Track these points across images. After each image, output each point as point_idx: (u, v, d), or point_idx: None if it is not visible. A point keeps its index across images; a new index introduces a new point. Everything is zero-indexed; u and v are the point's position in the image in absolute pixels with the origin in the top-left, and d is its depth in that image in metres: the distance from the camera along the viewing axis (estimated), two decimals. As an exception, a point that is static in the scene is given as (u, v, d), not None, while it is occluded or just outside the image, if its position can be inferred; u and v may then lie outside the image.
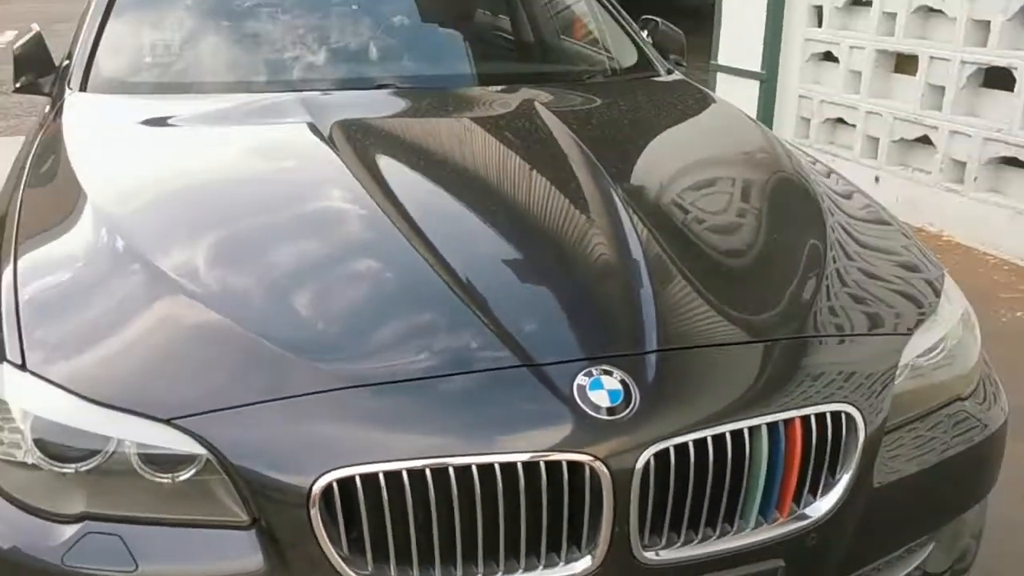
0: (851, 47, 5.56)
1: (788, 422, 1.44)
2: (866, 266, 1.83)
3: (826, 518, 1.48)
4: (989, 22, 4.61)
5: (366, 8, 2.94)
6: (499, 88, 2.65)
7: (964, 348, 1.79)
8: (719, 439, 1.39)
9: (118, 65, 2.57)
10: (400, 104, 2.52)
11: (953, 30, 4.83)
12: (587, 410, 1.36)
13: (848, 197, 2.16)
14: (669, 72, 2.91)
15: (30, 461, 1.40)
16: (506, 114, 2.48)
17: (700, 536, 1.42)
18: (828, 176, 2.27)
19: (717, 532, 1.43)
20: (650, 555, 1.39)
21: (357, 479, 1.29)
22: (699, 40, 5.45)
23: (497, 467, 1.31)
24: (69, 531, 1.36)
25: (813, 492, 1.48)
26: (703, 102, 2.77)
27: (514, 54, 3.17)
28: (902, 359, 1.62)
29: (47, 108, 2.52)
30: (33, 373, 1.42)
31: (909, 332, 1.67)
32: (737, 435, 1.40)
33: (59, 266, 1.71)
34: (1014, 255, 4.54)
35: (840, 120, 5.72)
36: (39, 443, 1.39)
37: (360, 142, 2.15)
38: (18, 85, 2.63)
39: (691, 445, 1.37)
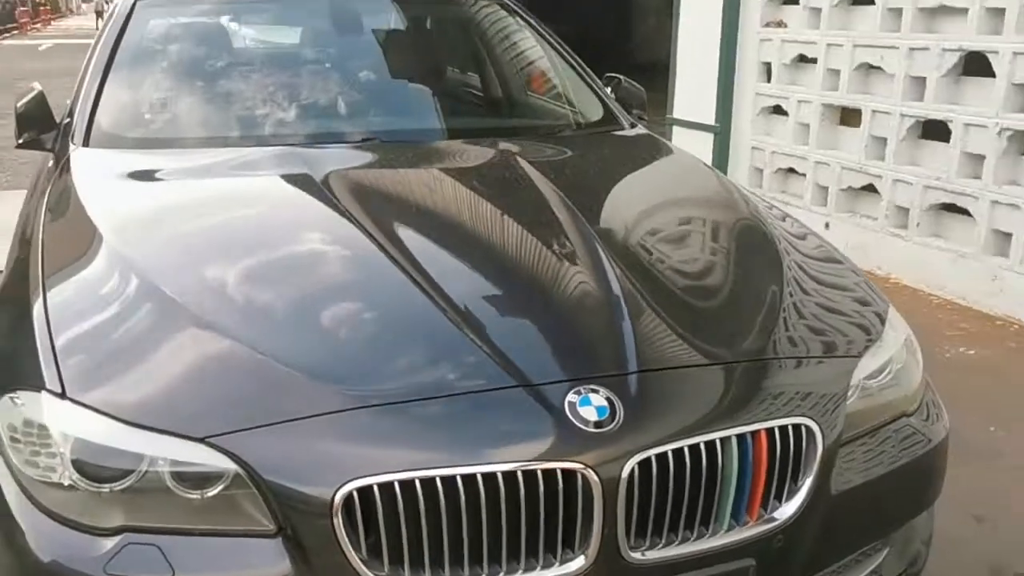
0: (799, 101, 5.87)
1: (755, 434, 1.62)
2: (820, 299, 2.03)
3: (791, 521, 1.65)
4: (925, 78, 4.93)
5: (355, 70, 3.14)
6: (479, 141, 2.85)
7: (908, 371, 1.98)
8: (695, 449, 1.56)
9: (117, 122, 2.71)
10: (386, 156, 2.70)
11: (892, 85, 5.15)
12: (577, 424, 1.52)
13: (802, 238, 2.37)
14: (633, 126, 3.13)
15: (66, 483, 1.53)
16: (489, 164, 2.68)
17: (680, 538, 1.58)
18: (784, 219, 2.48)
19: (695, 534, 1.59)
20: (636, 555, 1.54)
21: (375, 488, 1.44)
22: (655, 95, 5.73)
23: (499, 475, 1.46)
24: (109, 543, 1.48)
25: (779, 498, 1.65)
26: (666, 153, 2.99)
27: (491, 110, 3.39)
28: (853, 379, 1.81)
29: (50, 163, 2.65)
30: (73, 400, 1.55)
31: (859, 355, 1.86)
32: (710, 445, 1.57)
33: (86, 303, 1.84)
34: (956, 296, 4.81)
35: (791, 170, 6.01)
36: (77, 464, 1.51)
37: (355, 190, 2.33)
38: (21, 141, 2.76)
39: (670, 454, 1.54)
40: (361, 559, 1.45)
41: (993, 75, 4.55)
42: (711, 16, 6.48)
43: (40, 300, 1.80)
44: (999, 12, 4.49)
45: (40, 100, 2.78)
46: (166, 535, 1.48)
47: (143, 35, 2.99)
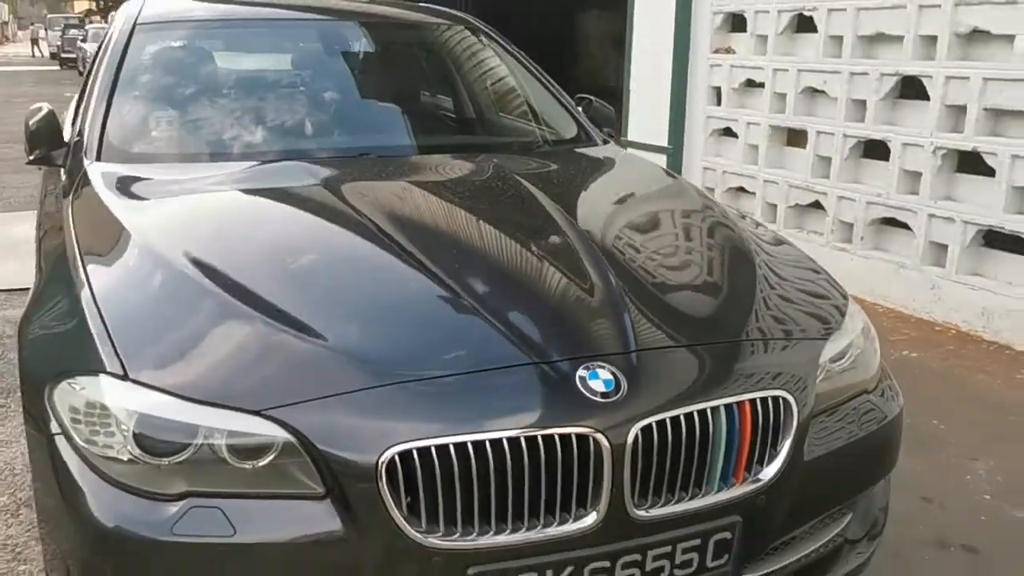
0: (748, 123, 6.20)
1: (740, 404, 1.84)
2: (788, 291, 2.28)
3: (771, 483, 1.87)
4: (865, 101, 5.28)
5: (347, 92, 3.37)
6: (469, 155, 3.09)
7: (866, 356, 2.23)
8: (689, 417, 1.77)
9: (126, 139, 2.86)
10: (391, 167, 2.91)
11: (835, 108, 5.49)
12: (587, 395, 1.73)
13: (770, 241, 2.61)
14: (605, 142, 3.38)
15: (126, 458, 1.69)
16: (484, 175, 2.90)
17: (677, 497, 1.79)
18: (756, 227, 2.74)
19: (689, 494, 1.80)
20: (640, 512, 1.75)
21: (414, 453, 1.63)
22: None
23: (522, 440, 1.66)
24: (174, 507, 1.64)
25: (761, 462, 1.87)
26: (640, 166, 3.24)
27: (477, 128, 3.63)
28: (821, 359, 2.05)
29: (64, 177, 2.79)
30: (135, 381, 1.72)
31: (825, 338, 2.11)
32: (702, 414, 1.79)
33: (134, 296, 2.01)
34: (898, 304, 5.13)
35: (742, 188, 6.32)
36: (139, 439, 1.67)
37: (365, 196, 2.52)
38: (32, 157, 2.90)
39: (668, 422, 1.75)
40: (403, 516, 1.63)
41: (927, 98, 4.90)
42: (663, 43, 6.80)
43: (88, 295, 1.96)
44: (932, 39, 4.85)
45: (50, 119, 2.92)
46: (226, 499, 1.65)
47: (143, 57, 3.15)
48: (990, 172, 4.62)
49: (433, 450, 1.63)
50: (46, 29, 48.37)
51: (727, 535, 1.84)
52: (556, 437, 1.68)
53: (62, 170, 2.87)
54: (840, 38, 5.42)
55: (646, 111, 7.06)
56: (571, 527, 1.71)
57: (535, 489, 1.68)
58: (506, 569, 1.68)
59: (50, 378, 1.82)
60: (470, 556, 1.66)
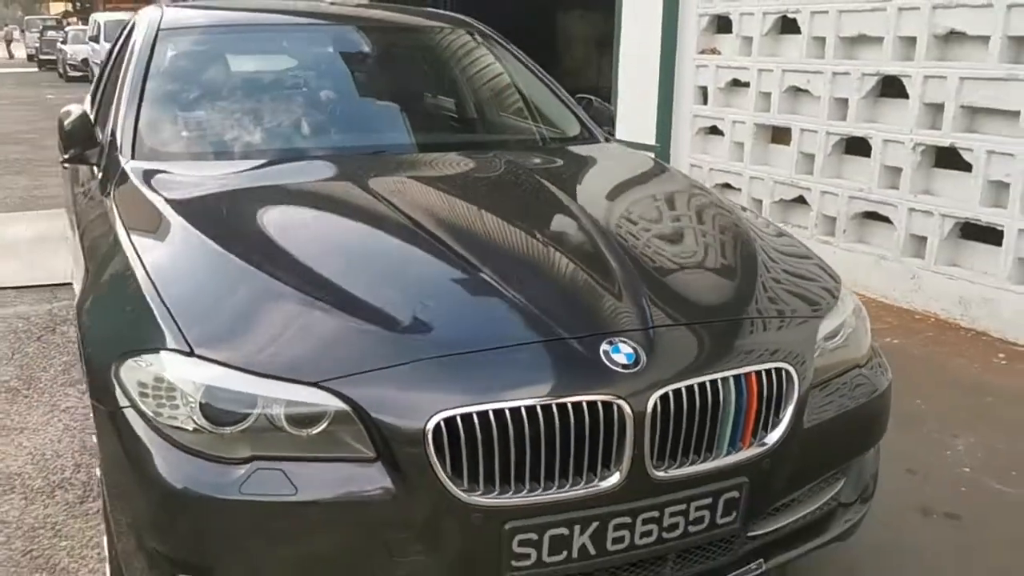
0: (734, 121, 6.40)
1: (746, 375, 2.02)
2: (786, 275, 2.47)
3: (775, 447, 2.06)
4: (847, 100, 5.49)
5: (362, 94, 3.55)
6: (483, 152, 3.29)
7: (858, 335, 2.42)
8: (702, 386, 1.96)
9: (158, 138, 3.02)
10: (412, 163, 3.11)
11: (818, 106, 5.71)
12: (611, 367, 1.91)
13: (769, 231, 2.80)
14: (606, 139, 3.57)
15: (191, 428, 1.86)
16: (500, 170, 3.09)
17: (691, 460, 1.97)
18: (756, 218, 2.93)
19: (702, 457, 1.98)
20: (659, 473, 1.93)
21: (458, 419, 1.80)
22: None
23: (554, 407, 1.84)
24: (241, 469, 1.81)
25: (765, 428, 2.06)
26: (641, 159, 3.44)
27: (490, 126, 3.82)
28: (817, 336, 2.24)
29: (99, 175, 2.94)
30: (201, 356, 1.88)
31: (820, 317, 2.30)
32: (713, 384, 1.97)
33: (189, 278, 2.18)
34: (880, 294, 5.35)
35: (728, 184, 6.52)
36: (205, 410, 1.84)
37: (394, 190, 2.70)
38: (67, 156, 3.06)
39: (684, 391, 1.94)
40: (447, 477, 1.80)
41: (907, 96, 5.12)
42: (650, 44, 7.00)
43: (146, 280, 2.12)
44: (911, 40, 5.07)
45: (84, 120, 3.06)
46: (287, 461, 1.82)
47: (168, 61, 3.30)
48: (967, 167, 4.85)
49: (474, 416, 1.80)
50: (22, 31, 48.08)
51: (735, 494, 2.02)
52: (584, 404, 1.86)
53: (95, 168, 3.03)
54: (823, 39, 5.63)
55: (634, 110, 7.24)
56: (597, 486, 1.88)
57: (565, 451, 1.86)
58: (539, 524, 1.85)
59: (115, 357, 1.98)
60: (507, 512, 1.83)
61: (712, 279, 2.39)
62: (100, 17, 24.28)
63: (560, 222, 2.54)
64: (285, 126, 3.21)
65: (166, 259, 2.28)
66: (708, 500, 1.99)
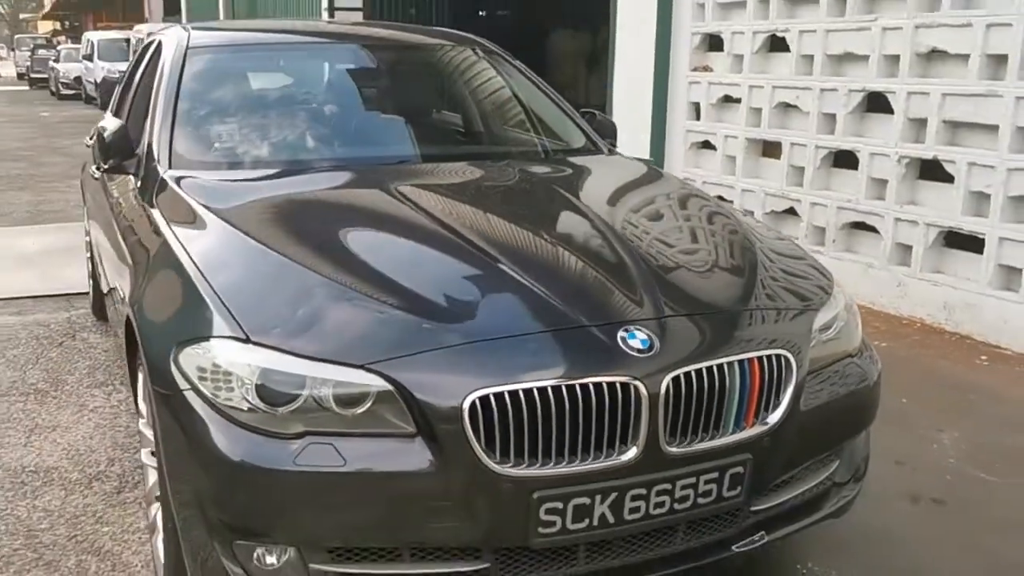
0: (726, 136, 6.63)
1: (749, 361, 2.22)
2: (783, 272, 2.67)
3: (775, 426, 2.25)
4: (835, 115, 5.73)
5: (382, 108, 3.77)
6: (495, 161, 3.52)
7: (850, 328, 2.63)
8: (710, 370, 2.15)
9: (192, 149, 3.22)
10: (434, 171, 3.32)
11: (807, 122, 5.94)
12: (628, 351, 2.11)
13: (766, 233, 3.01)
14: (609, 151, 3.78)
15: (246, 408, 2.04)
16: (514, 177, 3.31)
17: (699, 437, 2.16)
18: (756, 223, 3.15)
19: (710, 435, 2.18)
20: (671, 449, 2.12)
21: (491, 397, 1.99)
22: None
23: (577, 387, 2.03)
24: (295, 444, 1.99)
25: (767, 409, 2.25)
26: (645, 168, 3.65)
27: (500, 138, 4.01)
28: (813, 327, 2.45)
29: (138, 183, 3.13)
30: (256, 343, 2.07)
31: (815, 310, 2.50)
32: (720, 368, 2.17)
33: (237, 272, 2.38)
34: (868, 301, 5.56)
35: (720, 197, 6.71)
36: (260, 391, 2.02)
37: (422, 195, 2.91)
38: (107, 166, 3.26)
39: (693, 374, 2.13)
40: (482, 450, 1.99)
41: (892, 111, 5.35)
42: (644, 62, 7.23)
43: (198, 275, 2.32)
44: (895, 58, 5.31)
45: (123, 132, 3.26)
46: (336, 437, 2.01)
47: (197, 78, 3.49)
48: (949, 179, 5.08)
49: (506, 395, 1.99)
50: (13, 49, 48.21)
51: (740, 469, 2.21)
52: (604, 385, 2.05)
53: (132, 177, 3.22)
54: (811, 57, 5.87)
55: (629, 125, 7.42)
56: (615, 460, 2.07)
57: (587, 427, 2.05)
58: (563, 494, 2.04)
59: (174, 344, 2.16)
60: (535, 482, 2.02)
61: (716, 275, 2.59)
62: (93, 36, 24.48)
63: (576, 224, 2.77)
64: (310, 137, 3.43)
65: (214, 257, 2.47)
66: (715, 474, 2.18)
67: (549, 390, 2.02)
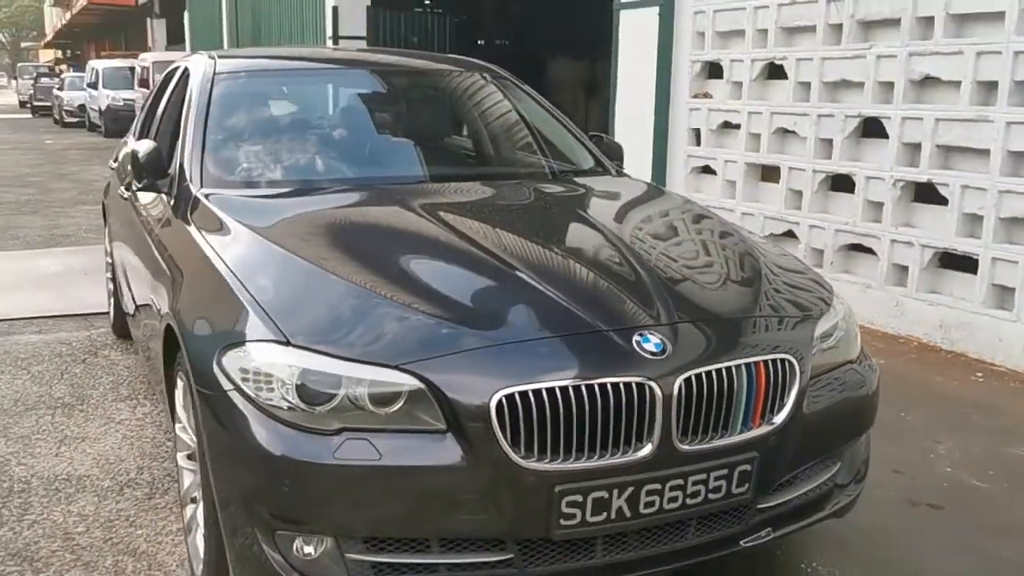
0: (725, 161, 6.81)
1: (756, 364, 2.37)
2: (786, 283, 2.83)
3: (781, 427, 2.39)
4: (832, 140, 5.91)
5: (403, 131, 3.97)
6: (509, 181, 3.72)
7: (849, 337, 2.78)
8: (719, 372, 2.30)
9: (224, 169, 3.40)
10: (453, 190, 3.52)
11: (805, 147, 6.11)
12: (643, 354, 2.26)
13: (769, 247, 3.18)
14: (617, 172, 3.96)
15: (286, 406, 2.19)
16: (529, 197, 3.50)
17: (709, 436, 2.31)
18: (760, 239, 3.32)
19: (719, 434, 2.32)
20: (685, 446, 2.26)
21: (516, 396, 2.14)
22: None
23: (596, 387, 2.18)
24: (334, 439, 2.14)
25: (772, 411, 2.40)
26: (652, 189, 3.84)
27: (513, 159, 4.19)
28: (815, 335, 2.60)
29: (171, 201, 3.30)
30: (296, 346, 2.22)
31: (817, 318, 2.66)
32: (728, 371, 2.32)
33: (274, 281, 2.54)
34: (865, 320, 5.69)
35: (721, 220, 6.91)
36: (300, 391, 2.17)
37: (442, 211, 3.08)
38: (141, 185, 3.43)
39: (703, 376, 2.28)
40: (508, 444, 2.13)
41: (887, 136, 5.54)
42: (645, 89, 7.42)
43: (240, 286, 2.47)
44: (889, 85, 5.50)
45: (157, 153, 3.44)
46: (372, 433, 2.15)
47: (225, 101, 3.66)
48: (943, 201, 5.25)
49: (530, 394, 2.14)
50: (15, 78, 48.61)
51: (747, 467, 2.35)
52: (621, 385, 2.20)
53: (165, 195, 3.38)
54: (808, 84, 6.06)
55: (630, 150, 7.49)
56: (631, 456, 2.21)
57: (605, 425, 2.19)
58: (583, 487, 2.18)
59: (218, 348, 2.31)
60: (557, 476, 2.16)
61: (724, 285, 2.75)
62: (98, 64, 24.74)
63: (592, 238, 2.95)
64: (334, 157, 3.61)
65: (251, 268, 2.62)
66: (725, 471, 2.33)
67: (570, 389, 2.17)
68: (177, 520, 3.07)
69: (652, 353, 2.27)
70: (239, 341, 2.30)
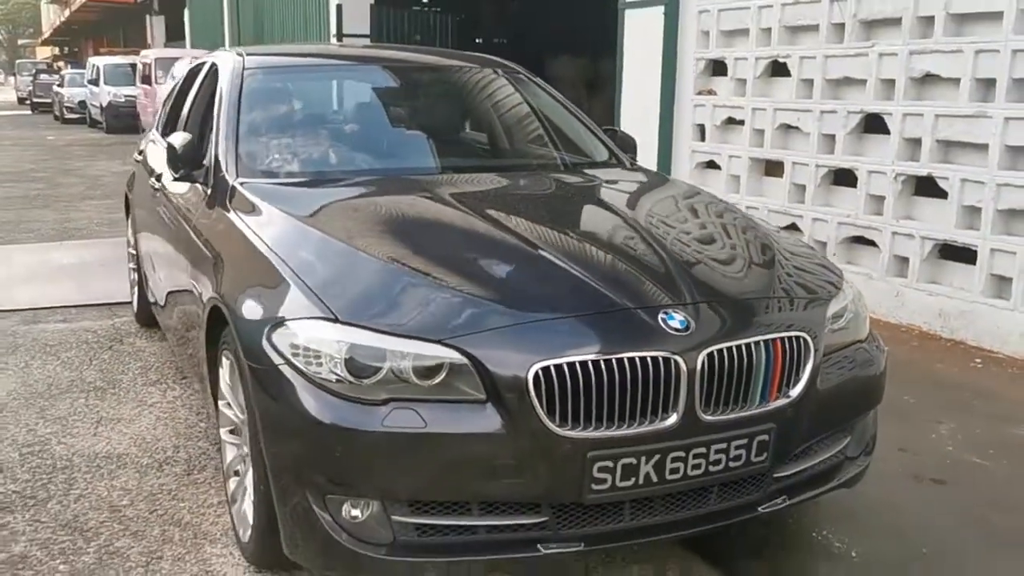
0: (730, 156, 6.96)
1: (773, 341, 2.53)
2: (799, 267, 2.99)
3: (797, 400, 2.55)
4: (834, 135, 6.06)
5: (425, 124, 4.14)
6: (532, 172, 3.90)
7: (858, 318, 2.94)
8: (739, 348, 2.46)
9: (257, 160, 3.54)
10: (479, 180, 3.70)
11: (808, 142, 6.27)
12: (669, 331, 2.41)
13: (781, 233, 3.34)
14: (632, 164, 4.11)
15: (335, 379, 2.34)
16: (551, 186, 3.66)
17: (730, 408, 2.46)
18: (773, 226, 3.47)
19: (739, 406, 2.48)
20: (708, 417, 2.41)
21: (552, 368, 2.29)
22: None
23: (625, 360, 2.33)
24: (383, 409, 2.29)
25: (788, 385, 2.56)
26: (666, 179, 4.00)
27: (534, 151, 4.36)
28: (827, 315, 2.75)
29: (207, 190, 3.44)
30: (344, 322, 2.37)
31: (829, 299, 2.82)
32: (747, 347, 2.47)
33: (318, 261, 2.70)
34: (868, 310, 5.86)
35: (725, 214, 7.06)
36: (349, 364, 2.32)
37: (470, 200, 3.25)
38: (178, 175, 3.58)
39: (724, 351, 2.44)
40: (544, 413, 2.29)
41: (888, 132, 5.70)
42: (651, 86, 7.57)
43: (286, 267, 2.63)
44: (891, 82, 5.66)
45: (194, 144, 3.59)
46: (417, 403, 2.31)
47: (256, 95, 3.81)
48: (943, 194, 5.41)
49: (564, 366, 2.30)
50: (13, 74, 48.67)
51: (765, 437, 2.51)
52: (648, 359, 2.35)
53: (200, 185, 3.53)
54: (811, 81, 6.21)
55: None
56: (658, 425, 2.37)
57: (633, 396, 2.35)
58: (613, 454, 2.34)
59: (268, 325, 2.47)
60: (589, 443, 2.31)
61: (742, 268, 2.92)
62: (99, 61, 24.84)
63: (615, 224, 3.12)
64: (360, 148, 3.76)
65: (295, 250, 2.78)
66: (744, 441, 2.48)
67: (601, 363, 2.32)
68: (218, 494, 3.23)
69: (677, 330, 2.42)
70: (289, 318, 2.45)
